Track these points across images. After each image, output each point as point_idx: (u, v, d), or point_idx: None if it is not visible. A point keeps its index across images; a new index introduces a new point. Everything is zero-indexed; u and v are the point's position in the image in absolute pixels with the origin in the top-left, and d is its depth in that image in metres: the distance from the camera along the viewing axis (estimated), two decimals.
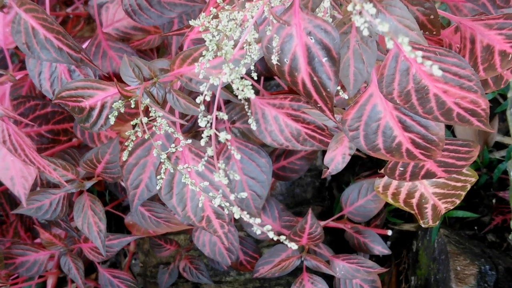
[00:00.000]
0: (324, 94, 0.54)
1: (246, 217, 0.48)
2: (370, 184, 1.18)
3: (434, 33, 0.64)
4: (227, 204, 0.58)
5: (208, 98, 0.48)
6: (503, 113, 1.49)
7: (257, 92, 1.08)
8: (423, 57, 0.60)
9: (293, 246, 0.46)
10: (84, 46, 1.04)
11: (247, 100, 0.97)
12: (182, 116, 0.94)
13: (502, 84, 0.81)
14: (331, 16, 0.62)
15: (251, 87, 0.46)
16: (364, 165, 1.60)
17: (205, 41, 0.61)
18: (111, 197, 1.62)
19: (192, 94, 0.91)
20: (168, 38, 1.04)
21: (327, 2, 0.60)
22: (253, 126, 0.51)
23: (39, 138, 1.13)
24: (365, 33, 0.39)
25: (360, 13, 0.40)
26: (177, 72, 0.73)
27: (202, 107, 0.49)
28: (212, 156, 0.90)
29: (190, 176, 0.85)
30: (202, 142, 0.50)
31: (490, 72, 0.70)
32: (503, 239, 1.48)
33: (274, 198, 1.22)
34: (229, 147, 0.44)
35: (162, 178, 0.66)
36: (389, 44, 0.38)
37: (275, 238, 0.46)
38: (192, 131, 1.16)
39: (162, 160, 0.63)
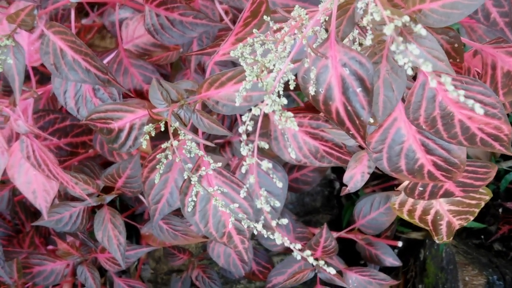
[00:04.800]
0: (357, 122, 0.56)
1: (265, 233, 0.51)
2: (382, 197, 1.19)
3: (458, 60, 0.66)
4: (252, 224, 0.60)
5: (250, 128, 0.50)
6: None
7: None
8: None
9: (313, 261, 0.48)
10: (105, 61, 1.05)
11: (265, 115, 0.99)
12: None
13: None
14: (359, 44, 0.64)
15: (293, 119, 0.48)
16: (373, 173, 1.62)
17: (228, 64, 0.63)
18: (121, 203, 1.63)
19: (214, 114, 0.93)
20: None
21: (355, 31, 0.62)
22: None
23: (58, 150, 1.15)
24: (409, 72, 0.41)
25: (403, 52, 0.42)
26: (205, 95, 0.75)
27: (245, 137, 0.51)
28: (234, 173, 0.92)
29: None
30: (243, 169, 0.52)
31: (510, 96, 0.72)
32: (510, 248, 1.51)
33: (287, 210, 1.24)
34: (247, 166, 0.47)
35: (194, 201, 0.68)
36: (432, 83, 0.41)
37: (298, 257, 0.48)
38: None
39: (194, 185, 0.65)
